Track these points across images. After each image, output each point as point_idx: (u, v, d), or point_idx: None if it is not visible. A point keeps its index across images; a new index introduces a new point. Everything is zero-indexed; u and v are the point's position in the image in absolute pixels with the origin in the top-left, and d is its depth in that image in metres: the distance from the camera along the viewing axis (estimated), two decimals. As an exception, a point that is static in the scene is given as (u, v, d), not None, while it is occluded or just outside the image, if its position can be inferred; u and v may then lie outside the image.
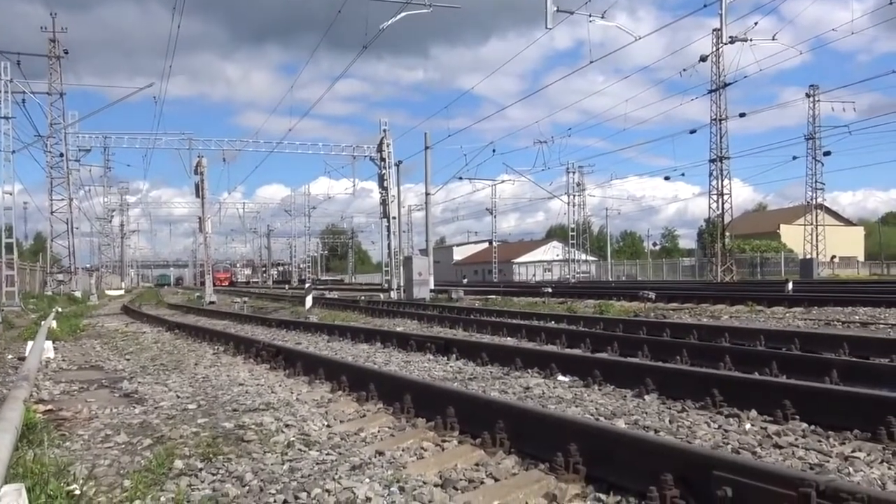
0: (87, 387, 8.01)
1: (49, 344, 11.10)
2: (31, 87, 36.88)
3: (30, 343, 10.74)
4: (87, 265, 63.46)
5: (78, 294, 39.33)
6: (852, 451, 4.31)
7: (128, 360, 10.68)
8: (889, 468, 3.99)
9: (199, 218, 36.45)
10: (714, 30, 42.65)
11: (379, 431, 5.24)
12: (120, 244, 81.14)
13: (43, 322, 15.88)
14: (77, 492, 3.69)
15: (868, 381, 6.05)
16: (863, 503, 2.64)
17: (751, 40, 37.46)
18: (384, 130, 36.71)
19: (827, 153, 51.86)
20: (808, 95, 51.70)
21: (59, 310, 22.90)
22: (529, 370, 8.08)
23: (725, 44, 40.53)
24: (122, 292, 58.12)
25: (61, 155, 41.29)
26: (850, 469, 3.97)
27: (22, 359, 9.74)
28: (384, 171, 36.07)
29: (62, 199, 42.77)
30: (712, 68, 44.06)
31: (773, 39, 36.15)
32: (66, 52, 43.50)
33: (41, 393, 7.41)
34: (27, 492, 3.09)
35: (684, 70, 39.54)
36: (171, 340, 13.91)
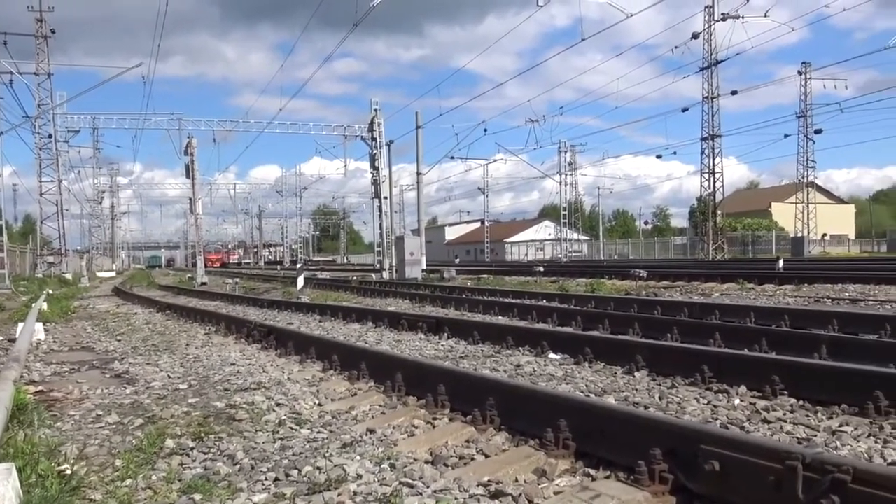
0: (78, 368, 8.00)
1: (39, 326, 11.07)
2: (19, 68, 36.59)
3: (20, 325, 10.71)
4: (78, 247, 63.29)
5: (68, 276, 39.19)
6: (840, 426, 4.34)
7: (119, 341, 10.66)
8: (876, 442, 4.02)
9: (190, 199, 36.30)
10: (706, 7, 42.52)
11: (370, 410, 5.26)
12: (110, 226, 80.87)
13: (33, 304, 15.83)
14: (68, 471, 3.69)
15: (856, 357, 6.07)
16: (848, 475, 2.66)
17: (743, 17, 37.44)
18: (375, 110, 36.53)
19: (818, 131, 51.96)
20: (799, 73, 51.67)
21: (50, 292, 22.82)
22: (521, 348, 8.10)
23: (717, 21, 40.51)
24: (113, 274, 57.94)
25: (50, 136, 40.97)
26: (838, 443, 4.01)
27: (12, 340, 9.70)
28: (375, 151, 35.95)
29: (52, 181, 42.54)
30: (704, 45, 43.95)
31: (766, 16, 36.13)
32: (54, 32, 43.06)
33: (32, 374, 7.40)
34: (18, 472, 3.09)
35: (676, 47, 39.55)
36: (162, 321, 13.89)
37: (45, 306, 15.64)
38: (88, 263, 55.81)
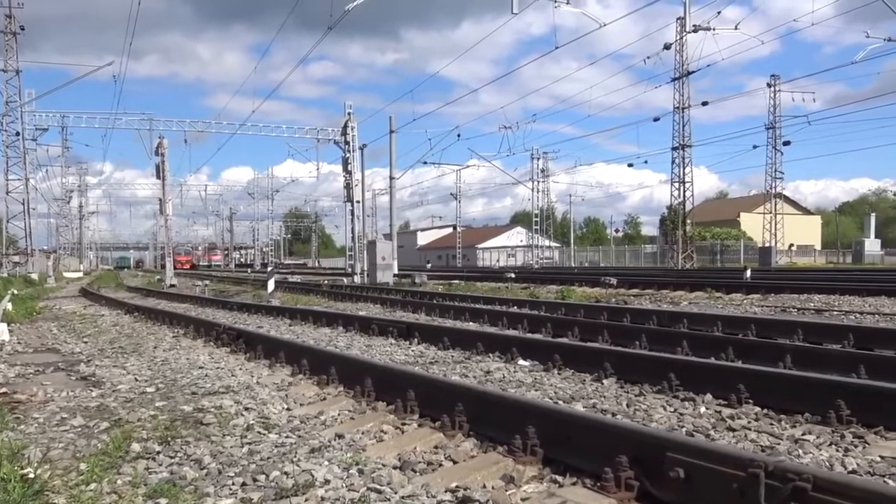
0: (43, 370, 7.89)
1: (4, 326, 10.91)
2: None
3: (-16, 325, 10.55)
4: (45, 247, 62.31)
5: (35, 276, 38.63)
6: (803, 434, 4.41)
7: (85, 342, 10.54)
8: (837, 450, 4.09)
9: (160, 200, 35.99)
10: (678, 18, 43.03)
11: (339, 415, 5.25)
12: (79, 226, 79.74)
13: (-2, 304, 15.57)
14: (31, 475, 3.64)
15: (820, 366, 6.17)
16: (808, 483, 2.70)
17: (713, 29, 37.95)
18: (349, 113, 36.48)
19: (787, 143, 52.66)
20: (769, 85, 52.40)
21: (15, 292, 22.45)
22: (491, 354, 8.12)
23: (689, 32, 41.00)
24: (80, 275, 57.17)
25: (17, 134, 40.41)
26: (800, 451, 4.07)
27: (-24, 341, 9.55)
28: (348, 155, 35.85)
29: (19, 179, 41.96)
30: (676, 56, 44.46)
31: (736, 29, 36.68)
32: (23, 29, 42.57)
33: (-5, 376, 7.28)
34: (-21, 475, 3.05)
35: (648, 58, 39.98)
36: (130, 323, 13.74)
37: (9, 307, 15.38)
38: (55, 264, 54.96)
